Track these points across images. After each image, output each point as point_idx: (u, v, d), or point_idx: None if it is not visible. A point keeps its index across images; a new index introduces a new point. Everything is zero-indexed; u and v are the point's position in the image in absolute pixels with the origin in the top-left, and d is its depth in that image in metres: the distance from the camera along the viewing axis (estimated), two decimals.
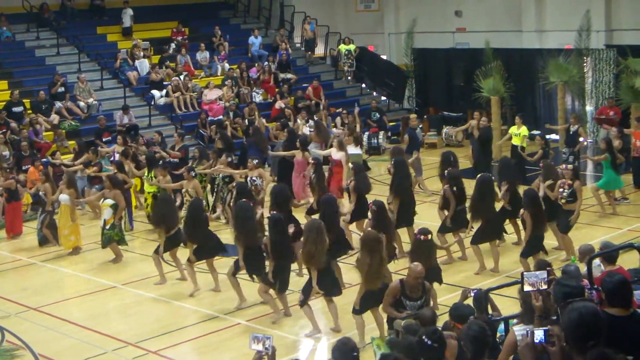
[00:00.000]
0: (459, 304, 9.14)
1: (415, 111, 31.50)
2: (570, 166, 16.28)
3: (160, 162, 19.99)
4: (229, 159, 20.06)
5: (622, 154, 20.07)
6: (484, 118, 23.17)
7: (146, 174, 19.77)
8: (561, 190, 15.81)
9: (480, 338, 6.85)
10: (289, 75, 31.54)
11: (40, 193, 18.75)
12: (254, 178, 18.65)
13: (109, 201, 17.19)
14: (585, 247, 12.11)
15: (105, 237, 17.29)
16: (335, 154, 20.10)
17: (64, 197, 18.10)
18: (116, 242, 17.41)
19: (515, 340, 7.31)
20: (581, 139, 22.63)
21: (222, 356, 12.73)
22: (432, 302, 13.28)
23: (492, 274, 15.43)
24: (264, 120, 27.24)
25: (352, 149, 21.85)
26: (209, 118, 27.38)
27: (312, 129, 24.38)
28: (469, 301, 9.62)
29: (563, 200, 15.83)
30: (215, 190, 20.11)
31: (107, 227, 17.20)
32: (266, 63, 31.37)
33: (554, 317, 6.98)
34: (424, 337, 7.39)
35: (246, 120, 26.73)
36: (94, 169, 21.07)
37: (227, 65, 30.82)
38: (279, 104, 28.84)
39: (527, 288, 6.78)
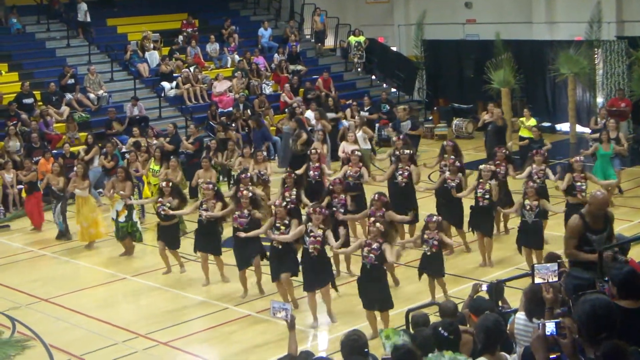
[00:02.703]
0: (480, 297, 9.17)
1: (425, 103, 31.49)
2: (581, 158, 16.13)
3: (172, 157, 19.87)
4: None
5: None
6: (499, 109, 23.14)
7: (153, 167, 19.58)
8: (579, 184, 15.67)
9: (493, 330, 6.85)
10: (299, 67, 31.51)
11: (54, 187, 18.71)
12: (261, 172, 18.64)
13: (121, 193, 17.17)
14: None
15: (122, 230, 17.24)
16: (348, 146, 20.06)
17: (78, 192, 18.08)
18: (131, 237, 17.39)
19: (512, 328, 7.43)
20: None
21: (231, 347, 12.76)
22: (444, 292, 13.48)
23: (501, 265, 15.43)
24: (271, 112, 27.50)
25: (363, 144, 21.99)
26: (219, 110, 27.37)
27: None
28: (481, 295, 9.63)
29: (584, 194, 15.70)
30: (233, 182, 20.02)
31: (122, 219, 17.16)
32: (276, 55, 31.34)
33: (565, 309, 6.97)
34: (439, 328, 7.42)
35: (248, 111, 26.72)
36: (110, 163, 20.97)
37: (237, 57, 30.78)
38: (284, 97, 28.83)
39: (537, 280, 6.77)
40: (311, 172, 17.62)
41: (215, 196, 15.15)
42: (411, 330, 8.89)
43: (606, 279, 7.77)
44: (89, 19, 29.78)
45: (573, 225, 9.85)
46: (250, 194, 14.57)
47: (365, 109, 26.63)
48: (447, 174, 16.35)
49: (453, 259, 15.94)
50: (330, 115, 26.21)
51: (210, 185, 15.29)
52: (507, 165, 16.94)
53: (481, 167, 15.93)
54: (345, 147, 20.19)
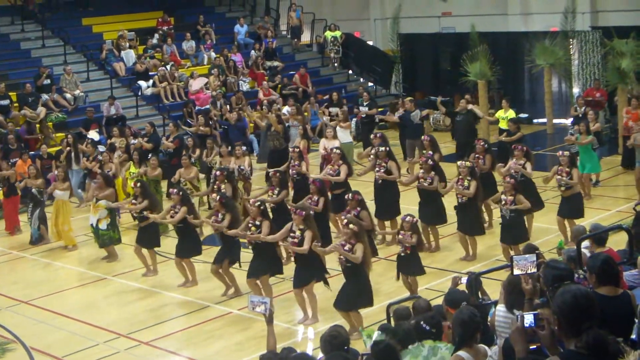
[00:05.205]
0: (453, 289, 9.21)
1: (402, 96, 31.50)
2: (566, 152, 16.11)
3: (151, 155, 19.74)
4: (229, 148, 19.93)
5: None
6: (463, 100, 23.25)
7: (132, 170, 19.38)
8: (559, 177, 15.76)
9: (469, 323, 6.91)
10: (276, 63, 31.49)
11: (34, 190, 18.60)
12: (242, 167, 18.65)
13: (103, 202, 16.81)
14: (577, 229, 12.21)
15: (103, 238, 16.95)
16: (328, 143, 20.01)
17: (59, 193, 17.94)
18: (114, 243, 17.18)
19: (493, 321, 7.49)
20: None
21: (213, 345, 12.76)
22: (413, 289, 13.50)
23: (481, 258, 15.47)
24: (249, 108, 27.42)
25: (345, 138, 22.13)
26: (196, 107, 27.31)
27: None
28: (460, 288, 9.66)
29: (562, 188, 15.77)
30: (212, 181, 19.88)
31: (102, 226, 16.88)
32: (253, 52, 31.30)
33: (544, 299, 7.01)
34: (422, 322, 7.48)
35: (227, 106, 26.68)
36: (93, 164, 20.81)
37: (213, 54, 30.73)
38: (260, 95, 28.74)
39: (516, 272, 6.80)
40: (291, 170, 17.64)
41: (181, 201, 15.11)
42: (392, 324, 8.92)
43: (584, 269, 7.84)
44: None
45: None
46: (219, 197, 14.60)
47: (365, 104, 26.51)
48: (421, 172, 16.31)
49: (433, 253, 16.04)
50: (334, 109, 26.18)
51: (176, 192, 15.26)
52: (486, 158, 16.98)
53: (458, 163, 15.92)
54: (325, 144, 20.15)
